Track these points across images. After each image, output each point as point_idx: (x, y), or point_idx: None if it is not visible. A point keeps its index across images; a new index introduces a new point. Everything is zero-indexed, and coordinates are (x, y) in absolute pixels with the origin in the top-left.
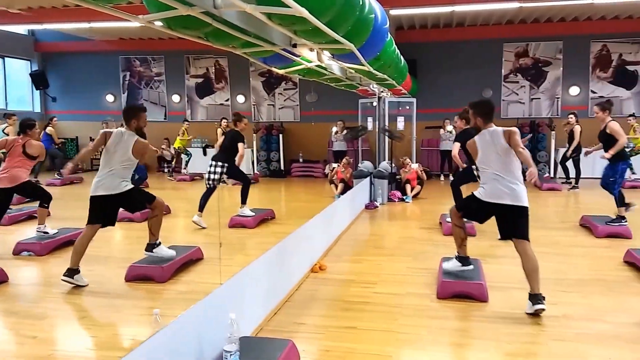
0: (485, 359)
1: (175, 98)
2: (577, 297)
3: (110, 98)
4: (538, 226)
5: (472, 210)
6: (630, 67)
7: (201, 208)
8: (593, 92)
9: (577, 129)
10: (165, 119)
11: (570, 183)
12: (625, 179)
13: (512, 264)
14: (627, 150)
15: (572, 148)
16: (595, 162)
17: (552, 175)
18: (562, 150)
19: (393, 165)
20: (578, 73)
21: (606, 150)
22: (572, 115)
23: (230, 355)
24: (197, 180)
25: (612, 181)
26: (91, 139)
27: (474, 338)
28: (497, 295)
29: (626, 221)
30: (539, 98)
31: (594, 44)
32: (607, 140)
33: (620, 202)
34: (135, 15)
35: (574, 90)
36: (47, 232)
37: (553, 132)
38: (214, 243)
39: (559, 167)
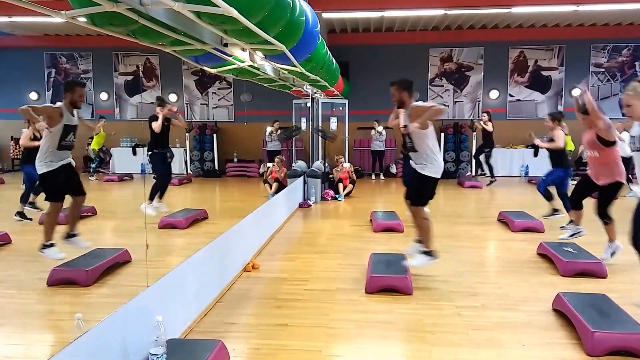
0: (409, 349)
1: (103, 96)
2: (494, 288)
3: (33, 96)
4: (460, 222)
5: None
6: (545, 73)
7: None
8: (511, 95)
9: (490, 125)
10: (92, 117)
11: (485, 175)
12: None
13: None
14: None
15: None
16: (512, 160)
17: (473, 174)
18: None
19: (326, 164)
20: (497, 77)
21: (551, 158)
22: (485, 114)
23: (157, 358)
24: (127, 180)
25: (542, 180)
26: (12, 138)
27: (398, 330)
28: (421, 288)
29: (559, 212)
30: (462, 101)
31: (512, 50)
32: (552, 149)
33: (548, 198)
34: (57, 11)
35: (494, 94)
36: None
37: (474, 133)
38: (143, 245)
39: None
